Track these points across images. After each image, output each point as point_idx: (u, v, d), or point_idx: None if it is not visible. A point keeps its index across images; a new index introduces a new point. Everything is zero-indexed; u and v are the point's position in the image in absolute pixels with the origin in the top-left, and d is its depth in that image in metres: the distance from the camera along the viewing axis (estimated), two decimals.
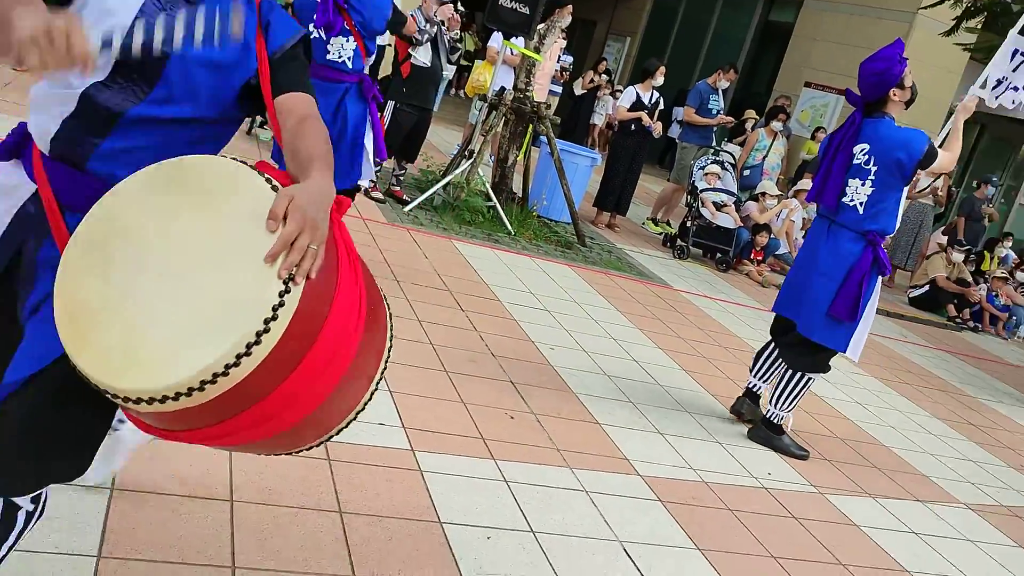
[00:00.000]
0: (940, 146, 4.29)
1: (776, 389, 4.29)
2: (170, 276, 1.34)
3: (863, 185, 4.03)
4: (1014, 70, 4.80)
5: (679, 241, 8.89)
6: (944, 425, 5.73)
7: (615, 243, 8.38)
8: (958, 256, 10.44)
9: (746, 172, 10.48)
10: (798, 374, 4.22)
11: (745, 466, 3.97)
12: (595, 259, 7.38)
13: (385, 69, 8.12)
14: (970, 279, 10.56)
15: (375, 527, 2.62)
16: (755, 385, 4.46)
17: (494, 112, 7.46)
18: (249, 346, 1.27)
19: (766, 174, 10.31)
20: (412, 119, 7.01)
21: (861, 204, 4.03)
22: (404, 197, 7.16)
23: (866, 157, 4.02)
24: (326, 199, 1.38)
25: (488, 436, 3.44)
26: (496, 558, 2.66)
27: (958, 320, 10.21)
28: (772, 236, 9.25)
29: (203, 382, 1.27)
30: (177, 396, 1.28)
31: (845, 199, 4.07)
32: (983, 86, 5.65)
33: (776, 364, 4.39)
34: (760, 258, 9.19)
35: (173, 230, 1.38)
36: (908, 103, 4.08)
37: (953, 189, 14.00)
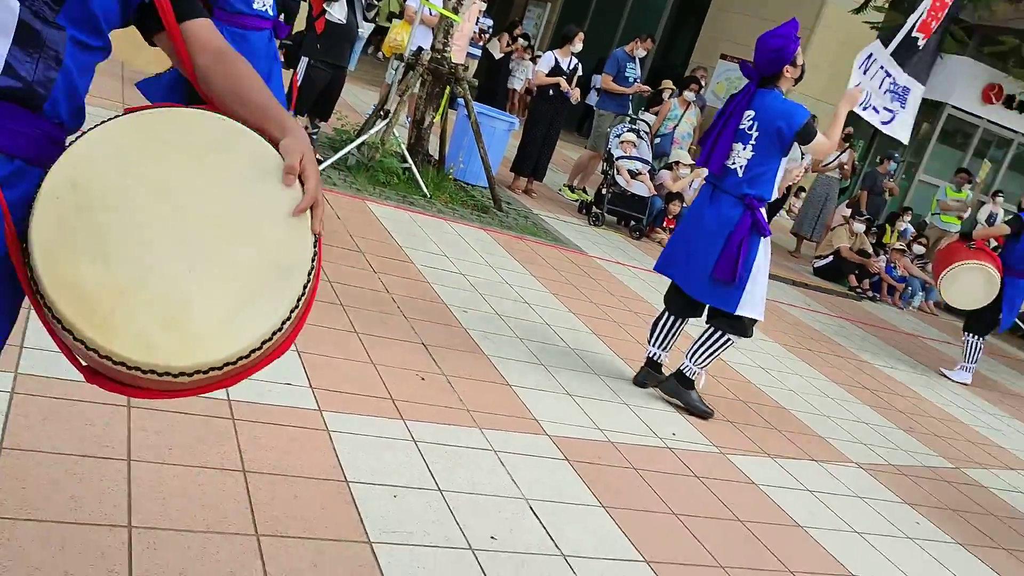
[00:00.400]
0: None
1: (694, 344, 4.39)
2: (189, 245, 1.27)
3: (744, 149, 4.16)
4: (879, 86, 4.76)
5: (594, 208, 8.96)
6: (842, 389, 5.97)
7: (531, 208, 8.41)
8: (859, 227, 10.82)
9: (657, 140, 10.61)
10: (718, 332, 4.32)
11: (651, 427, 4.06)
12: (511, 224, 7.39)
13: (300, 25, 7.89)
14: (871, 251, 10.98)
15: (280, 486, 2.58)
16: (655, 354, 4.54)
17: (411, 72, 7.36)
18: (298, 302, 1.30)
19: (676, 143, 10.45)
20: (326, 77, 6.86)
21: (741, 168, 4.16)
22: (317, 156, 7.01)
23: (750, 123, 4.17)
24: (312, 151, 1.38)
25: (398, 397, 3.43)
26: (402, 516, 2.66)
27: (858, 290, 10.61)
28: (684, 205, 9.41)
29: (263, 343, 1.27)
30: (236, 361, 1.27)
31: (728, 162, 4.21)
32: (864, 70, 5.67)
33: (673, 332, 4.50)
34: (672, 226, 9.34)
35: (172, 195, 1.29)
36: (797, 80, 4.23)
37: (857, 164, 14.47)
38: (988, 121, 16.35)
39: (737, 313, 4.19)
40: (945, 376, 7.58)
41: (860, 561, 3.44)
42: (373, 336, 3.94)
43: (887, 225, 12.75)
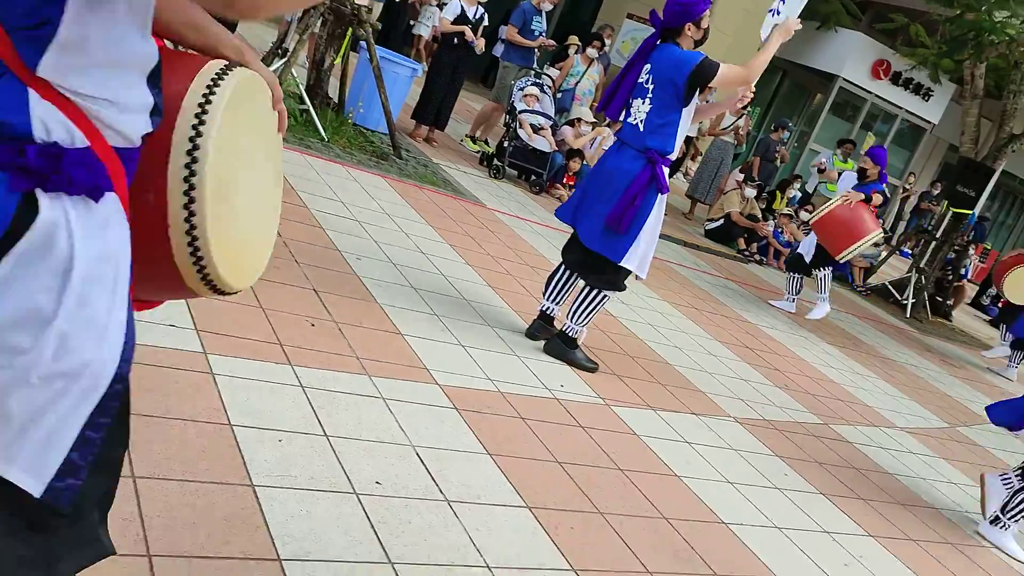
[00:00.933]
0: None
1: (573, 304, 4.48)
2: (250, 190, 1.45)
3: (643, 104, 4.23)
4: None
5: (495, 161, 8.96)
6: (724, 347, 6.21)
7: (431, 158, 8.34)
8: (751, 192, 11.17)
9: (558, 95, 10.66)
10: (594, 291, 4.41)
11: (540, 378, 4.15)
12: (410, 172, 7.32)
13: None
14: (760, 216, 11.36)
15: (159, 428, 2.53)
16: (548, 308, 4.61)
17: (312, 11, 7.14)
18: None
19: (577, 99, 10.52)
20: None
21: (641, 122, 4.23)
22: None
23: (647, 77, 4.22)
24: None
25: (286, 342, 3.40)
26: (287, 461, 2.65)
27: (747, 253, 10.99)
28: (584, 162, 9.51)
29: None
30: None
31: (630, 119, 4.28)
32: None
33: (567, 286, 4.58)
34: (572, 183, 9.44)
35: (253, 157, 1.46)
36: (698, 43, 4.26)
37: (752, 131, 14.88)
38: (876, 96, 17.06)
39: (621, 264, 4.27)
40: (772, 305, 8.23)
41: (729, 508, 3.63)
42: (263, 280, 3.87)
43: (777, 191, 13.21)
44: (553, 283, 4.59)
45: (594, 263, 4.40)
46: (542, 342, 4.58)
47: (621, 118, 4.39)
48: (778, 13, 4.37)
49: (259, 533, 2.29)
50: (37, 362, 0.99)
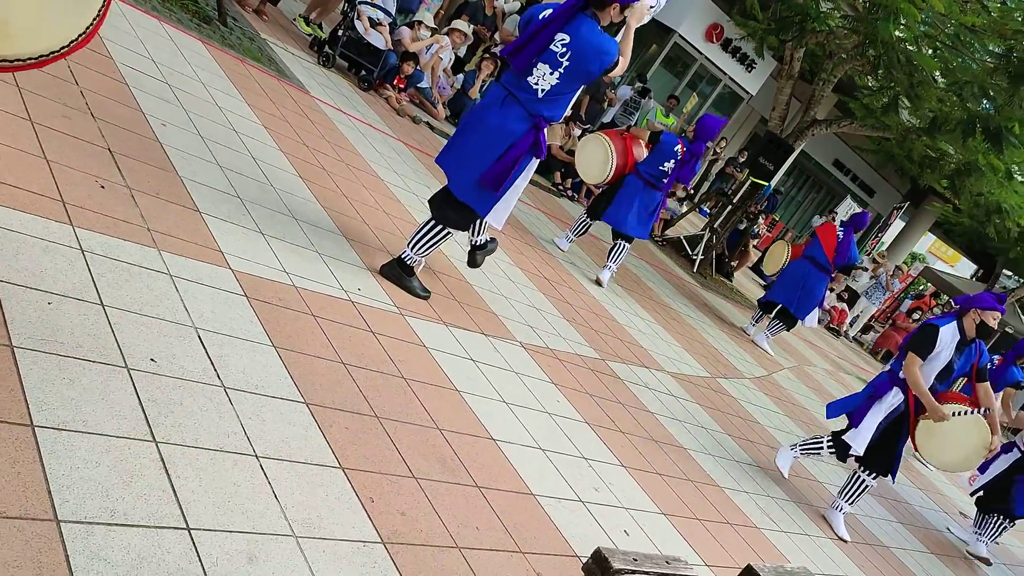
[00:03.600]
0: None
1: (416, 234, 4.52)
2: None
3: (551, 74, 4.20)
4: None
5: (327, 48, 8.62)
6: (523, 275, 6.41)
7: (259, 32, 7.90)
8: (576, 131, 11.43)
9: None
10: (440, 226, 4.49)
11: (339, 279, 4.12)
12: (234, 43, 6.91)
13: None
14: None
15: None
16: (409, 256, 4.54)
17: None
18: (98, 13, 1.87)
19: (425, 3, 10.28)
20: None
21: (543, 91, 4.22)
22: None
23: (563, 50, 4.17)
24: None
25: (70, 201, 3.17)
26: (54, 325, 2.51)
27: (560, 187, 11.29)
28: (418, 67, 9.34)
29: (62, 48, 1.86)
30: (39, 59, 1.86)
31: (531, 79, 4.22)
32: None
33: (439, 240, 4.54)
34: (403, 86, 9.27)
35: None
36: (614, 24, 4.28)
37: None
38: (706, 57, 17.77)
39: (486, 218, 4.44)
40: (556, 244, 8.11)
41: (500, 426, 3.81)
42: (51, 129, 3.57)
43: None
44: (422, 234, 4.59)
45: (451, 201, 4.46)
46: (345, 242, 4.55)
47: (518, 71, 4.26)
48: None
49: (12, 396, 2.17)
50: None
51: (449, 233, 4.54)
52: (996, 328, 5.35)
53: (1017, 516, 7.28)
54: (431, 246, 4.53)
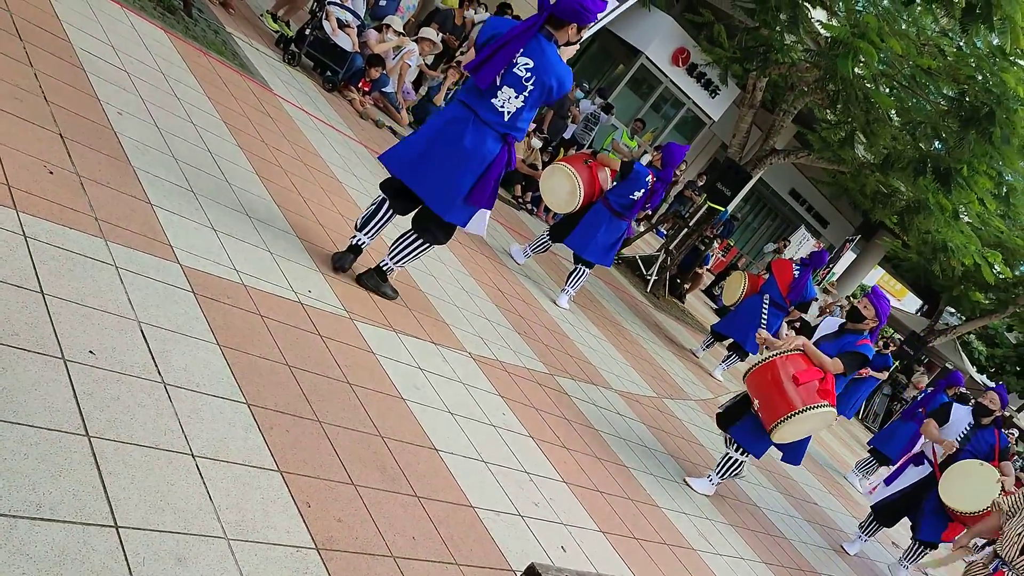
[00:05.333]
0: None
1: (398, 245, 4.63)
2: None
3: (516, 98, 4.29)
4: None
5: (292, 46, 8.56)
6: (478, 286, 6.41)
7: (225, 25, 7.81)
8: (537, 143, 11.48)
9: (382, 2, 10.33)
10: (423, 241, 4.60)
11: (289, 280, 4.09)
12: (198, 35, 6.83)
13: None
14: (540, 167, 11.71)
15: None
16: (362, 241, 4.63)
17: None
18: None
19: (400, 12, 10.27)
20: None
21: (508, 113, 4.31)
22: None
23: (528, 74, 4.23)
24: None
25: (15, 184, 3.10)
26: None
27: (519, 200, 11.32)
28: (384, 72, 9.32)
29: None
30: None
31: (496, 102, 4.27)
32: None
33: (386, 224, 4.64)
34: (367, 89, 9.23)
35: None
36: (568, 45, 4.36)
37: None
38: (671, 81, 17.98)
39: (466, 229, 4.60)
40: (511, 256, 8.13)
41: (444, 436, 3.80)
42: (0, 110, 3.49)
43: (563, 149, 13.66)
44: (374, 221, 4.61)
45: (433, 219, 4.54)
46: (298, 242, 4.52)
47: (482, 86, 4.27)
48: None
49: None
50: None
51: (430, 247, 4.68)
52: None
53: (924, 540, 7.37)
54: (412, 259, 4.69)
